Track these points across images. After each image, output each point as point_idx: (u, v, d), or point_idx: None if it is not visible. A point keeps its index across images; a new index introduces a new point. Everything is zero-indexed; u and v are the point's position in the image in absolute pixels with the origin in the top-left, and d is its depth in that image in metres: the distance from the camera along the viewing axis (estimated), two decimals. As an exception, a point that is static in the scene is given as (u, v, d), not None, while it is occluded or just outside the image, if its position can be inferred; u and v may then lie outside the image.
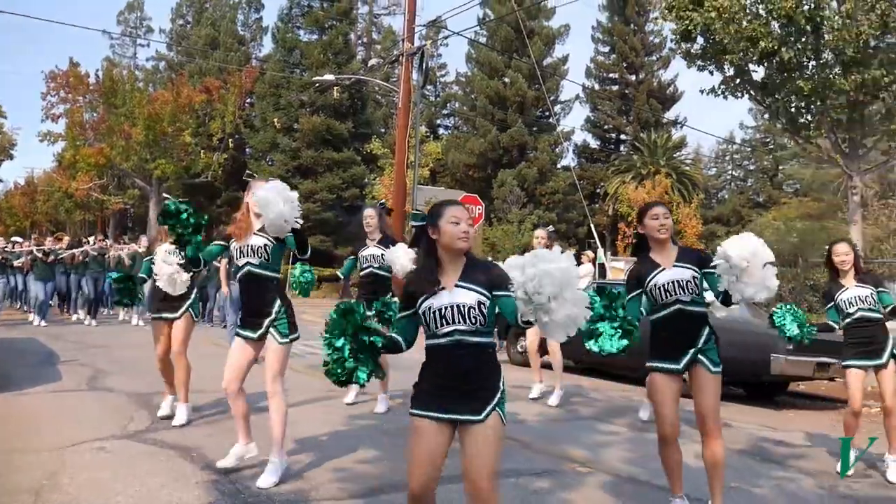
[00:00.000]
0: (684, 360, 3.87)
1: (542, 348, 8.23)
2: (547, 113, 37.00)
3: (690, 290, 3.88)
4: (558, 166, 38.57)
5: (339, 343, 2.84)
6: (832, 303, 5.53)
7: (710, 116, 74.71)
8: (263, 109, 36.94)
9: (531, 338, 8.10)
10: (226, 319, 12.74)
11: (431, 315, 2.90)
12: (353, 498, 4.30)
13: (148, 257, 6.10)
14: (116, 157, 32.71)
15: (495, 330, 3.11)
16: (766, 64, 13.84)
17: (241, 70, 36.19)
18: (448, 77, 46.34)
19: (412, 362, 3.01)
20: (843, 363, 5.54)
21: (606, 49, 41.97)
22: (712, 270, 3.86)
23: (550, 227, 8.16)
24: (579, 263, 7.93)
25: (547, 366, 8.43)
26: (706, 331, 3.91)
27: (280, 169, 34.50)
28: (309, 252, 4.85)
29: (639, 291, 4.03)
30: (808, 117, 14.52)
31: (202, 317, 11.91)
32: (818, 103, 13.80)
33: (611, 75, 42.43)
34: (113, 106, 32.41)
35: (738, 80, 14.67)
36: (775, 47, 13.01)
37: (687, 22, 13.58)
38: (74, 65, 33.37)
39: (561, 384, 8.00)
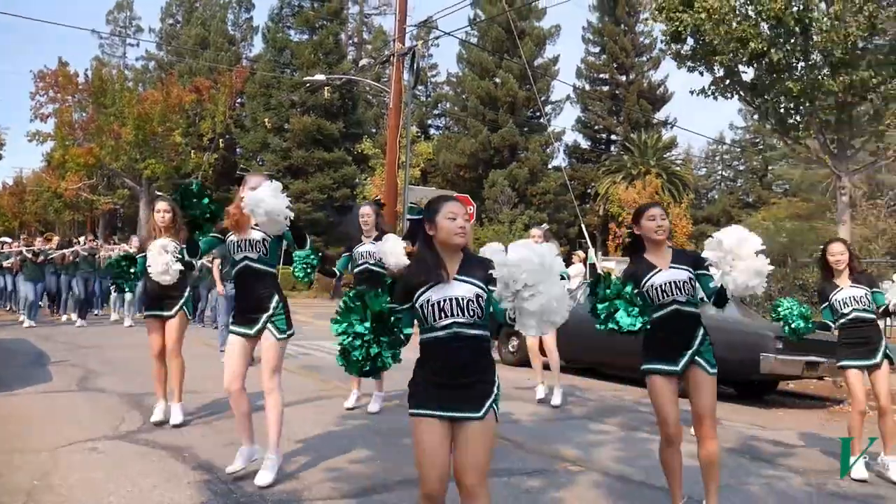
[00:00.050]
0: (682, 362, 3.87)
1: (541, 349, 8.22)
2: (538, 113, 37.11)
3: (686, 291, 3.89)
4: (549, 167, 38.69)
5: (362, 328, 2.77)
6: (826, 303, 5.53)
7: (700, 117, 75.12)
8: (254, 109, 36.87)
9: (531, 339, 8.07)
10: (217, 320, 12.71)
11: (430, 308, 2.90)
12: (346, 498, 4.31)
13: (141, 255, 6.04)
14: (106, 157, 32.55)
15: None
16: (755, 65, 13.90)
17: (231, 70, 36.09)
18: (439, 77, 46.45)
19: (406, 362, 3.01)
20: (840, 364, 5.53)
21: (597, 50, 42.13)
22: (706, 272, 3.88)
23: (545, 226, 8.15)
24: (570, 263, 7.98)
25: (543, 366, 8.44)
26: (701, 331, 3.93)
27: (270, 169, 34.43)
28: (308, 244, 4.84)
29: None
30: (797, 118, 14.59)
31: (194, 317, 11.85)
32: (807, 104, 13.87)
33: (601, 76, 42.59)
34: (102, 106, 32.25)
35: (727, 81, 14.72)
36: (765, 48, 13.07)
37: (677, 23, 13.63)
38: (63, 64, 33.21)
39: (554, 383, 8.00)
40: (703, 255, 3.86)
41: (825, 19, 12.64)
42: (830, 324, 5.54)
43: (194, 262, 5.96)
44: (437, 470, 2.87)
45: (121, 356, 10.02)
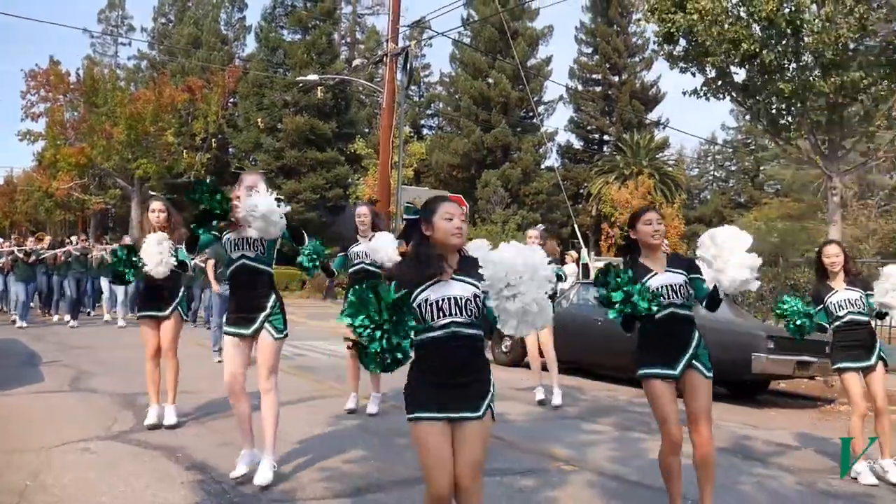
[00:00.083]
0: (680, 366, 3.87)
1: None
2: (531, 113, 37.17)
3: (682, 295, 3.91)
4: (542, 167, 38.78)
5: (381, 318, 2.69)
6: (821, 305, 5.51)
7: (692, 117, 75.21)
8: (247, 109, 36.81)
9: (531, 340, 8.05)
10: (209, 321, 12.67)
11: (428, 307, 2.90)
12: (340, 497, 4.31)
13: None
14: (97, 157, 32.42)
15: None
16: (747, 66, 13.98)
17: (223, 69, 35.99)
18: (432, 77, 46.47)
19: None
20: (836, 367, 5.51)
21: (590, 50, 42.22)
22: (699, 276, 3.91)
23: (541, 226, 8.14)
24: (563, 263, 7.98)
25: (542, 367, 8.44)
26: (696, 334, 3.95)
27: (263, 169, 34.38)
28: (306, 241, 4.81)
29: None
30: (789, 119, 14.68)
31: (188, 317, 11.82)
32: (798, 105, 13.96)
33: (594, 76, 42.68)
34: (94, 105, 32.13)
35: (719, 82, 14.81)
36: (756, 50, 13.15)
37: (669, 24, 13.70)
38: (55, 63, 33.08)
39: (553, 383, 7.98)
40: (698, 252, 3.89)
41: (816, 21, 12.72)
42: (826, 325, 5.54)
43: (188, 261, 5.95)
44: (445, 471, 2.87)
45: (113, 356, 9.99)
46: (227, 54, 41.56)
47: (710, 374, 3.94)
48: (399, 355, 2.71)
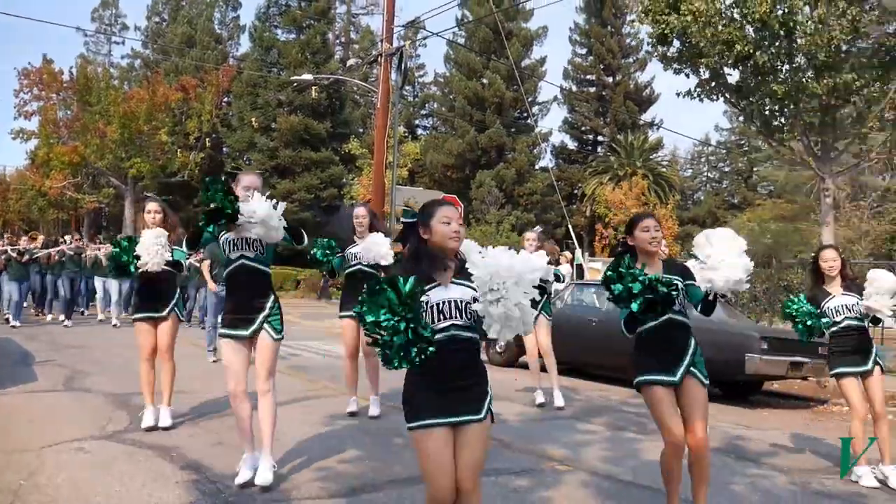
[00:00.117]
0: (679, 373, 3.87)
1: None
2: (525, 114, 37.21)
3: (679, 301, 3.92)
4: (536, 167, 38.84)
5: (403, 310, 2.65)
6: (818, 310, 5.49)
7: (685, 118, 75.51)
8: (241, 108, 36.75)
9: (529, 340, 8.04)
10: (204, 321, 12.66)
11: (428, 310, 2.89)
12: (335, 497, 4.32)
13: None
14: (91, 156, 32.35)
15: None
16: (740, 67, 14.02)
17: (218, 69, 35.95)
18: (426, 78, 46.49)
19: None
20: (833, 372, 5.51)
21: (584, 51, 42.31)
22: (693, 282, 3.93)
23: (539, 228, 8.13)
24: (558, 264, 7.99)
25: (524, 366, 8.46)
26: (693, 341, 3.96)
27: (257, 168, 34.33)
28: (306, 241, 4.77)
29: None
30: (782, 120, 14.72)
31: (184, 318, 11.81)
32: (791, 106, 14.00)
33: (588, 77, 42.77)
34: (87, 104, 32.05)
35: (713, 83, 14.84)
36: (750, 51, 13.19)
37: (663, 25, 13.72)
38: (48, 62, 33.03)
39: (550, 384, 7.97)
40: (693, 252, 3.92)
41: (809, 23, 12.77)
42: (824, 330, 5.54)
43: (183, 262, 5.95)
44: (447, 476, 2.87)
45: (106, 356, 9.97)
46: (221, 53, 41.48)
47: (707, 382, 3.96)
48: (425, 345, 2.70)
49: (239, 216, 4.29)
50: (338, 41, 45.24)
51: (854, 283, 5.57)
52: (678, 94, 15.44)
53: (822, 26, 12.64)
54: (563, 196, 27.21)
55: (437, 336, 2.85)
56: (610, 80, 41.60)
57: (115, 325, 14.09)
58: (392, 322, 2.64)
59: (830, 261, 5.52)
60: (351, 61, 28.75)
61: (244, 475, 4.41)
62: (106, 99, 31.81)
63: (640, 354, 3.96)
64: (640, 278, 3.63)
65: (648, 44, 15.85)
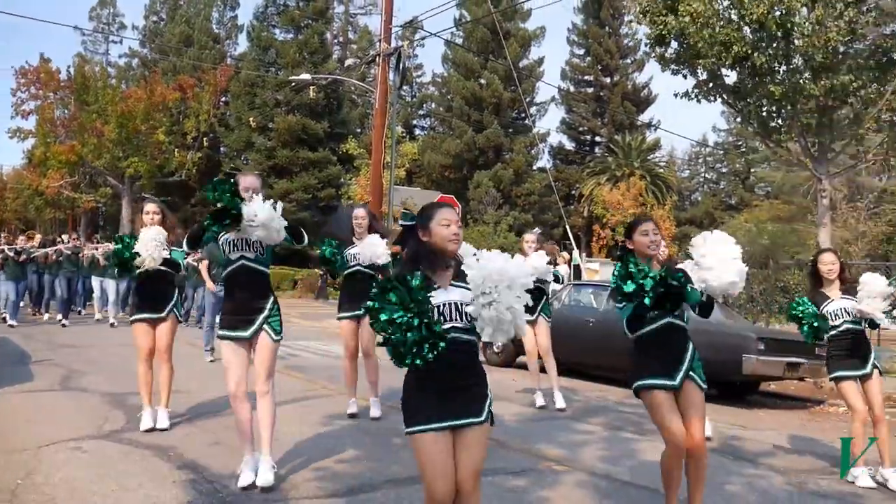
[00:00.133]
0: (679, 377, 3.87)
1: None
2: (523, 114, 37.24)
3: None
4: (534, 168, 38.86)
5: (416, 307, 2.65)
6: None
7: (683, 119, 75.39)
8: (238, 108, 36.73)
9: (529, 340, 8.03)
10: (201, 321, 12.65)
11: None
12: (332, 497, 4.32)
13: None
14: (88, 155, 32.31)
15: None
16: (738, 68, 14.06)
17: (215, 68, 35.93)
18: (424, 78, 46.51)
19: (397, 371, 3.00)
20: (833, 376, 5.50)
21: (582, 51, 42.35)
22: (691, 284, 3.94)
23: (538, 230, 8.14)
24: (555, 264, 8.00)
25: (522, 366, 8.46)
26: (691, 345, 3.96)
27: (255, 168, 34.32)
28: (306, 240, 4.74)
29: (627, 304, 4.04)
30: (779, 121, 14.76)
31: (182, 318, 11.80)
32: (788, 108, 14.04)
33: (586, 77, 42.82)
34: (85, 103, 32.01)
35: (710, 84, 14.88)
36: (747, 52, 13.22)
37: (661, 26, 13.75)
38: (45, 61, 32.97)
39: (549, 385, 7.96)
40: (689, 252, 3.93)
41: (807, 24, 12.81)
42: (823, 333, 5.54)
43: (181, 262, 5.95)
44: (447, 479, 2.85)
45: (103, 356, 9.96)
46: (218, 53, 41.48)
47: (705, 387, 3.97)
48: (437, 341, 2.69)
49: (241, 219, 4.29)
50: (336, 41, 45.24)
51: (853, 287, 5.55)
52: (676, 95, 15.48)
53: (820, 28, 12.69)
54: (560, 196, 27.23)
55: None
56: (608, 80, 41.65)
57: (112, 325, 14.07)
58: (406, 318, 2.64)
59: (829, 264, 5.52)
60: (349, 61, 28.73)
61: (246, 478, 4.37)
62: (103, 98, 31.78)
63: (640, 359, 3.96)
64: (652, 274, 3.65)
65: (646, 44, 15.89)
